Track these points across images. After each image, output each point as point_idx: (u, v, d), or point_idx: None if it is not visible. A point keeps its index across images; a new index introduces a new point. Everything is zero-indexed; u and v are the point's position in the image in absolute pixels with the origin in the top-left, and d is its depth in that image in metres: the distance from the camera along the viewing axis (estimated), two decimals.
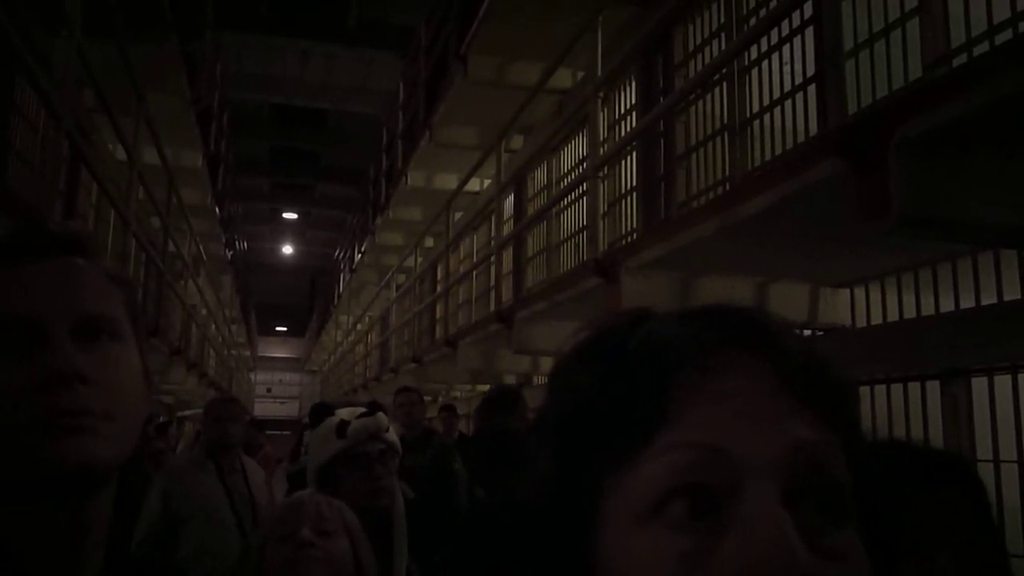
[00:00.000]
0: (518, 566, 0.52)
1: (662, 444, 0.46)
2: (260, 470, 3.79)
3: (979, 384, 3.16)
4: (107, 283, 0.82)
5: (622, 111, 5.99)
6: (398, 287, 11.50)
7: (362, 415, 2.25)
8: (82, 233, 0.83)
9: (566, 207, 6.83)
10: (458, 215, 9.06)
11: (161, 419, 8.55)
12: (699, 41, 4.90)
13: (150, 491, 3.54)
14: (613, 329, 0.52)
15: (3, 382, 0.73)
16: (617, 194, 5.92)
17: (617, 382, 0.48)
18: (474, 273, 8.73)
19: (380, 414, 2.29)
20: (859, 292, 3.74)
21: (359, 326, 15.16)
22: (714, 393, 0.46)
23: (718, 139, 4.63)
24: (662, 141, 5.17)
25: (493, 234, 8.53)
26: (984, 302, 3.12)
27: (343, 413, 2.28)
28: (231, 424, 3.71)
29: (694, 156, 4.86)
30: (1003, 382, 3.03)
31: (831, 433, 0.47)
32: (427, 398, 7.66)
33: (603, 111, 5.54)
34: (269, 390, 31.38)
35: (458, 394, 9.79)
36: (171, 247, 7.57)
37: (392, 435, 2.29)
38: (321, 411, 2.36)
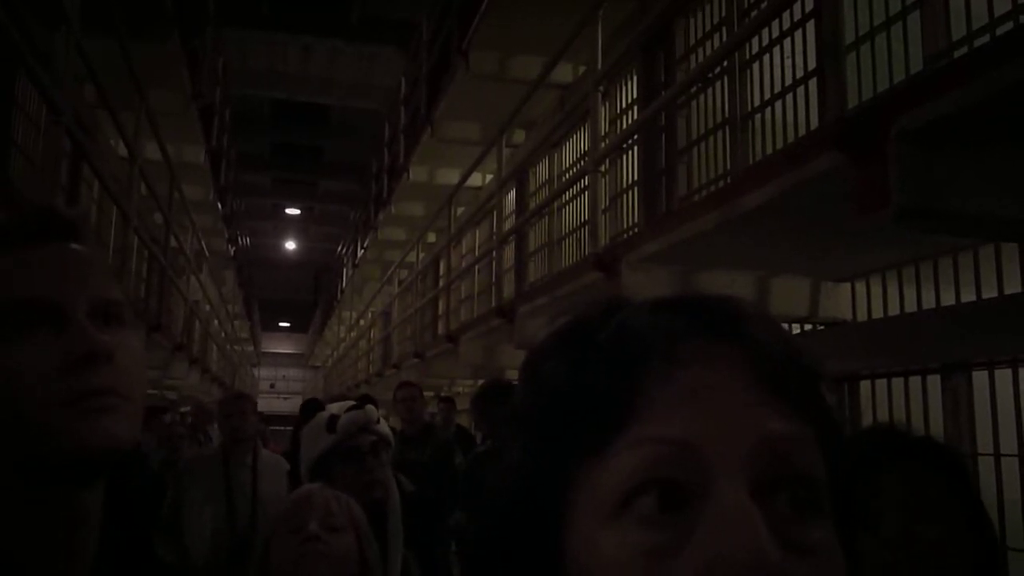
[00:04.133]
0: (488, 562, 0.51)
1: (630, 438, 0.45)
2: (281, 463, 3.83)
3: (980, 378, 3.16)
4: (110, 269, 0.83)
5: (623, 106, 5.98)
6: (400, 282, 11.51)
7: (351, 408, 2.26)
8: (83, 219, 0.83)
9: (567, 202, 6.83)
10: (460, 210, 9.06)
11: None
12: (700, 35, 4.90)
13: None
14: (586, 318, 0.52)
15: (28, 363, 0.72)
16: (618, 189, 5.91)
17: (586, 373, 0.47)
18: (476, 268, 8.74)
19: (369, 406, 2.30)
20: (860, 286, 3.74)
21: (362, 321, 15.17)
22: (683, 386, 0.45)
23: (720, 133, 4.63)
24: (663, 135, 5.17)
25: (495, 229, 8.53)
26: (985, 296, 3.12)
27: (333, 408, 2.30)
28: (240, 420, 3.79)
29: (695, 150, 4.85)
30: (1004, 376, 3.03)
31: (805, 425, 0.46)
32: (428, 393, 7.67)
33: (604, 105, 5.54)
34: (272, 386, 31.42)
35: (460, 389, 9.79)
36: (173, 243, 7.58)
37: (383, 427, 2.30)
38: (311, 407, 2.38)
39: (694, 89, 4.68)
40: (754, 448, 0.44)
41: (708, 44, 4.80)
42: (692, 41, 4.99)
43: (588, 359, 0.48)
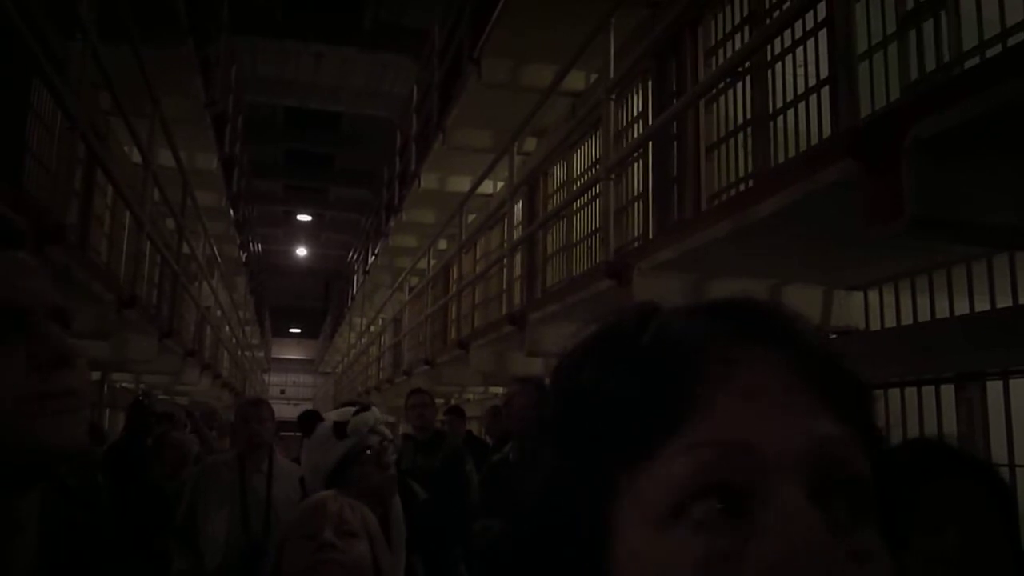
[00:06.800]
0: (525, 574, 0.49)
1: (684, 442, 0.44)
2: (296, 470, 3.82)
3: (994, 387, 3.14)
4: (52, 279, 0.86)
5: (635, 114, 5.98)
6: (411, 289, 11.53)
7: (356, 412, 2.31)
8: (27, 229, 0.86)
9: (581, 208, 6.82)
10: (471, 217, 9.08)
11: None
12: (713, 43, 4.89)
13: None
14: (620, 325, 0.50)
15: None
16: (629, 197, 5.91)
17: (631, 378, 0.46)
18: (488, 275, 8.75)
19: (373, 408, 2.37)
20: (873, 295, 3.73)
21: (372, 328, 15.19)
22: (737, 389, 0.44)
23: (732, 140, 4.62)
24: (675, 143, 5.17)
25: (505, 236, 8.54)
26: (999, 305, 3.10)
27: (332, 416, 2.35)
28: (257, 425, 3.78)
29: (715, 155, 4.85)
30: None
31: (852, 429, 0.45)
32: (439, 400, 7.67)
33: (616, 113, 5.54)
34: (283, 392, 31.46)
35: (470, 396, 9.80)
36: (186, 249, 7.62)
37: (385, 428, 2.36)
38: (312, 418, 2.44)
39: (709, 94, 4.67)
40: (811, 451, 0.43)
41: (721, 51, 4.80)
42: (706, 49, 4.98)
43: (632, 365, 0.47)
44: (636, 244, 5.47)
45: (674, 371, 0.45)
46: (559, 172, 7.49)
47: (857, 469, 0.45)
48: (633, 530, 0.44)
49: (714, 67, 4.78)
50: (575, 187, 6.86)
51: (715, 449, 0.43)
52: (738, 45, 4.53)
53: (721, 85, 4.51)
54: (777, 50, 4.17)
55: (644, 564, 0.43)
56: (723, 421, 0.44)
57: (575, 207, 6.73)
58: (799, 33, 3.97)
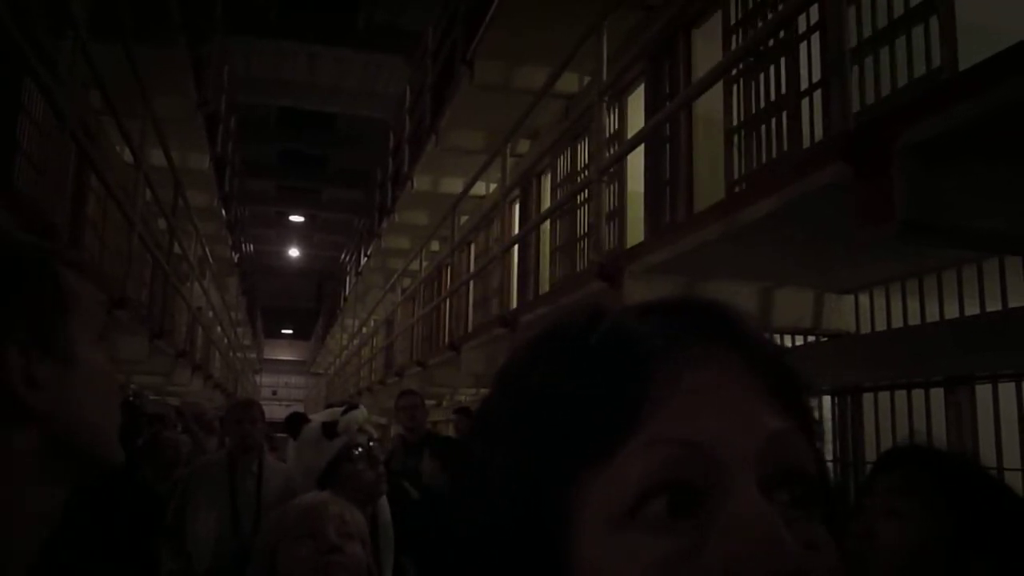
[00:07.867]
0: None
1: (639, 441, 0.43)
2: (285, 472, 3.80)
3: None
4: None
5: (618, 122, 5.98)
6: (403, 291, 11.52)
7: (344, 412, 2.34)
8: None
9: (580, 204, 6.80)
10: (464, 219, 9.06)
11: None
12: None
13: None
14: (569, 325, 0.50)
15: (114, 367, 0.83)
16: (619, 201, 5.91)
17: (583, 378, 0.46)
18: (481, 276, 8.73)
19: (360, 407, 2.40)
20: (863, 298, 3.73)
21: (364, 329, 15.18)
22: (689, 387, 0.45)
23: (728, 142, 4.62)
24: (667, 145, 5.17)
25: (496, 237, 8.53)
26: (989, 309, 3.11)
27: (319, 417, 2.37)
28: (249, 427, 3.77)
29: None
30: (1007, 390, 3.02)
31: (798, 424, 0.47)
32: (430, 402, 7.66)
33: (610, 115, 5.55)
34: (274, 393, 31.38)
35: (462, 398, 9.79)
36: (177, 249, 7.60)
37: (371, 427, 2.40)
38: (299, 420, 2.45)
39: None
40: (763, 447, 0.44)
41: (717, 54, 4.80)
42: (701, 50, 4.99)
43: (585, 365, 0.46)
44: (617, 248, 5.47)
45: (629, 370, 0.45)
46: (563, 165, 7.45)
47: (804, 463, 0.46)
48: (592, 531, 0.44)
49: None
50: (578, 181, 6.82)
51: (666, 447, 0.43)
52: (738, 43, 4.53)
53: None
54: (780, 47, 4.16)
55: (604, 565, 0.43)
56: (678, 419, 0.44)
57: (577, 202, 6.69)
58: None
